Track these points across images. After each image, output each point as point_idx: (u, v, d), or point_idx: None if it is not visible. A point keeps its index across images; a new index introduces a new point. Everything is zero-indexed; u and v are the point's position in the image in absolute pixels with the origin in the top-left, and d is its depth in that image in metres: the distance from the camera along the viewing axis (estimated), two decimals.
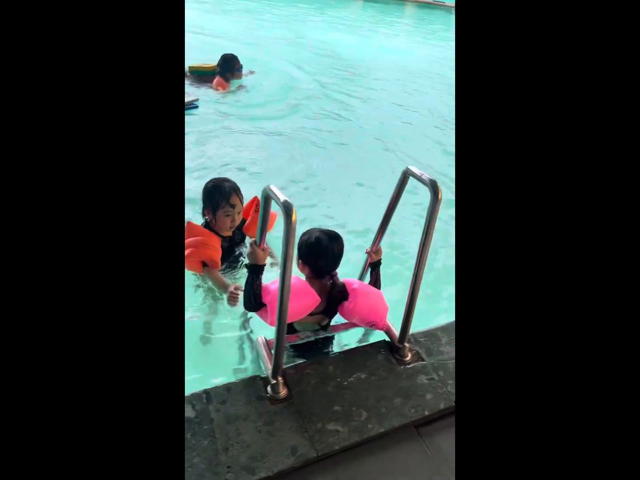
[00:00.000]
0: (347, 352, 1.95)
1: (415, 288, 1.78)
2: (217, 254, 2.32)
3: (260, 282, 1.81)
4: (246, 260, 1.87)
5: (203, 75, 5.79)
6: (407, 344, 1.93)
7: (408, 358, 1.92)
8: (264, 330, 2.01)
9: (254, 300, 1.82)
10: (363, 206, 3.55)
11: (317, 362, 1.87)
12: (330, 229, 1.98)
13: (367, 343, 2.06)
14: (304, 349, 2.00)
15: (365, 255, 2.15)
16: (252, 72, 6.19)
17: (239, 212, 2.40)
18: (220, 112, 5.20)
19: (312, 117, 5.38)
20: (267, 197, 1.56)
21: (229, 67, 5.80)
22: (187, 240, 2.27)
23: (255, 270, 1.80)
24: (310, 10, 12.29)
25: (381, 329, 2.02)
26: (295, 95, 5.96)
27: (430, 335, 2.06)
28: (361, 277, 2.22)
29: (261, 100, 5.64)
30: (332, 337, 2.10)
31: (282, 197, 1.45)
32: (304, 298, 1.83)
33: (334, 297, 1.95)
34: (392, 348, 1.96)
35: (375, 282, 2.13)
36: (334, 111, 5.59)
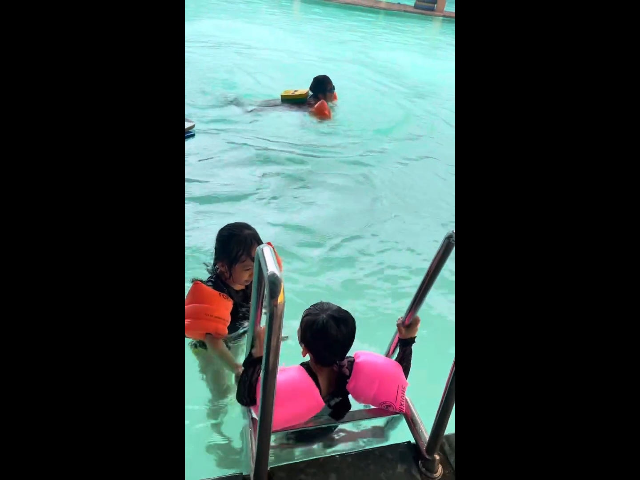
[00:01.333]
0: (358, 456, 1.53)
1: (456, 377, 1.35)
2: (224, 325, 1.90)
3: (259, 374, 1.51)
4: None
5: (295, 103, 5.57)
6: (437, 456, 1.49)
7: (438, 474, 1.48)
8: None
9: (248, 394, 1.55)
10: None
11: (316, 464, 1.47)
12: (342, 307, 1.62)
13: (386, 442, 1.64)
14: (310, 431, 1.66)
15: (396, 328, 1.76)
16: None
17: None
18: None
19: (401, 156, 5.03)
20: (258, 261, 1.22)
21: (321, 88, 5.56)
22: (189, 306, 1.86)
23: (256, 361, 1.56)
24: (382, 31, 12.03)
25: (400, 411, 1.63)
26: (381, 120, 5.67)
27: None
28: (388, 355, 1.81)
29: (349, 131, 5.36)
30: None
31: (270, 267, 1.10)
32: (305, 400, 1.52)
33: (344, 381, 1.64)
34: (418, 454, 1.53)
35: (401, 360, 1.72)
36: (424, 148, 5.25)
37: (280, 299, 1.07)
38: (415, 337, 1.73)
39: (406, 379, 1.68)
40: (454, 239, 1.39)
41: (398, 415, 1.66)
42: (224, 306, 1.89)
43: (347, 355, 1.66)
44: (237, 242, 1.92)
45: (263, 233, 3.04)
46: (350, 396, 1.66)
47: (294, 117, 5.45)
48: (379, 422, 1.74)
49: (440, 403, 1.42)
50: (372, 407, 1.67)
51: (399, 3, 15.53)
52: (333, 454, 1.54)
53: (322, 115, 5.41)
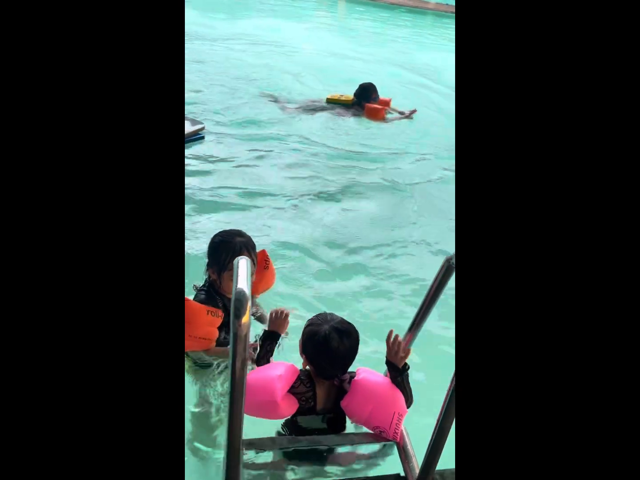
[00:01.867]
0: None
1: (449, 409, 1.24)
2: (208, 343, 1.84)
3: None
4: (263, 326, 1.64)
5: (339, 107, 5.65)
6: None
7: None
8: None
9: None
10: None
11: None
12: (345, 319, 1.56)
13: (374, 470, 1.55)
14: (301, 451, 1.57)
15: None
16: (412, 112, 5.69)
17: (251, 274, 1.80)
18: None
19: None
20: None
21: (365, 96, 5.56)
22: None
23: (275, 337, 1.64)
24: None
25: (394, 439, 1.52)
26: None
27: None
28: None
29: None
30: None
31: (239, 284, 1.07)
32: (261, 392, 1.45)
33: (343, 397, 1.57)
34: None
35: (403, 390, 1.58)
36: None
37: (244, 319, 1.03)
38: (404, 367, 1.57)
39: (407, 407, 1.56)
40: (454, 261, 1.29)
41: (391, 442, 1.57)
42: (208, 323, 1.82)
43: (350, 370, 1.60)
44: (226, 250, 1.88)
45: (282, 236, 2.96)
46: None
47: (337, 119, 5.45)
48: (372, 446, 1.65)
49: (433, 434, 1.32)
50: (366, 430, 1.59)
51: (447, 4, 15.18)
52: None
53: (375, 117, 5.40)
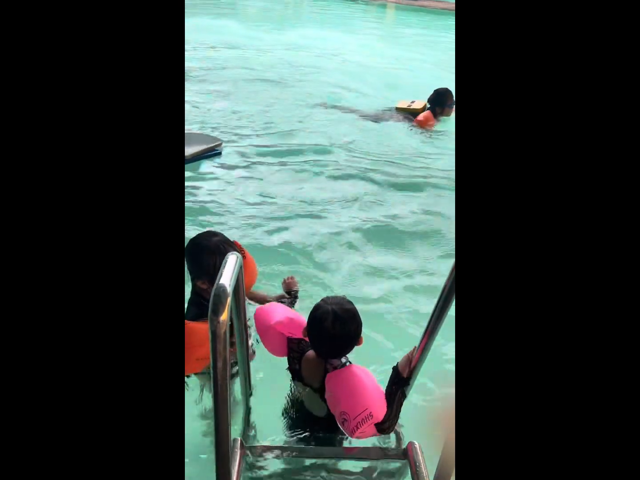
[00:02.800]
0: None
1: None
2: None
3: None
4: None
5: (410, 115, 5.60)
6: None
7: None
8: None
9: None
10: None
11: None
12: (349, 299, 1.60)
13: None
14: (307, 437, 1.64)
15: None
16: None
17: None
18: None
19: None
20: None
21: (440, 101, 5.34)
22: None
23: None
24: None
25: (350, 435, 1.47)
26: None
27: None
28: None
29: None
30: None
31: (222, 279, 1.05)
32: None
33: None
34: None
35: (390, 404, 1.51)
36: None
37: (223, 316, 0.99)
38: (406, 378, 1.56)
39: (388, 427, 1.50)
40: None
41: (404, 461, 1.53)
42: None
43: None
44: (210, 254, 1.74)
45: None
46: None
47: (401, 128, 5.38)
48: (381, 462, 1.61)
49: (442, 451, 1.27)
50: (370, 445, 1.57)
51: None
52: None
53: (425, 126, 5.31)
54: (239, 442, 1.51)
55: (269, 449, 1.55)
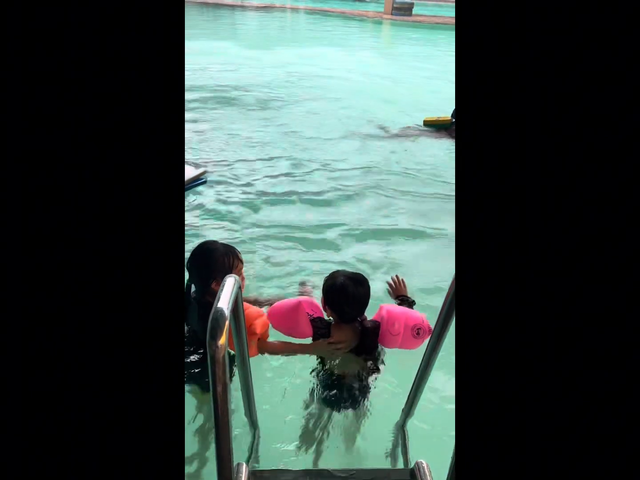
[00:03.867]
0: None
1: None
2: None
3: None
4: None
5: (439, 128, 5.67)
6: None
7: None
8: None
9: None
10: None
11: None
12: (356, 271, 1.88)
13: None
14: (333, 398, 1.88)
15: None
16: None
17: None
18: None
19: None
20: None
21: None
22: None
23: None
24: None
25: (431, 331, 1.69)
26: None
27: None
28: None
29: None
30: (366, 391, 1.88)
31: (221, 302, 1.03)
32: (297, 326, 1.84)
33: (369, 337, 1.84)
34: None
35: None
36: None
37: (221, 341, 0.97)
38: (408, 297, 2.00)
39: None
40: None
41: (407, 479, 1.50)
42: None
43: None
44: (221, 254, 1.86)
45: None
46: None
47: (435, 142, 5.45)
48: None
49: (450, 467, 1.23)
50: (377, 468, 1.53)
51: None
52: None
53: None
54: (244, 467, 1.46)
55: (275, 473, 1.51)
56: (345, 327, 1.84)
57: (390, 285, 2.18)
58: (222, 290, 1.08)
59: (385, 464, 1.79)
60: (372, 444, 1.90)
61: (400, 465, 1.74)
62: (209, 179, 4.36)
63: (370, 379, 1.87)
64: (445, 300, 1.37)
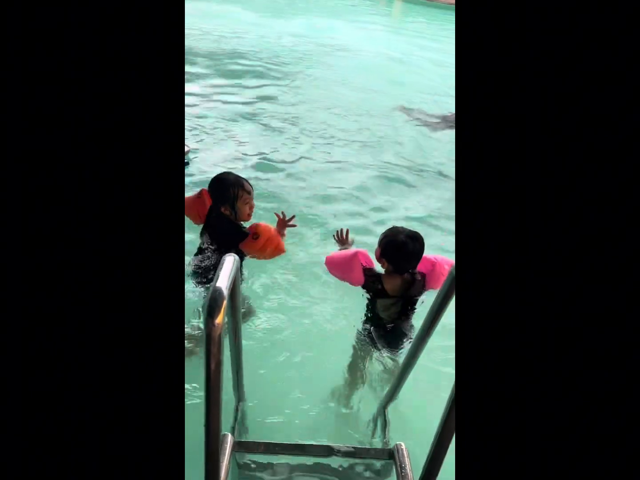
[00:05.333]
0: None
1: (447, 424, 1.18)
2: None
3: None
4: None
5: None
6: None
7: None
8: None
9: None
10: None
11: None
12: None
13: None
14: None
15: None
16: None
17: (252, 198, 2.36)
18: None
19: None
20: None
21: None
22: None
23: None
24: None
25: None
26: None
27: None
28: None
29: None
30: (406, 335, 2.12)
31: (220, 281, 1.04)
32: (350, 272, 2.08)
33: (416, 287, 2.07)
34: None
35: None
36: None
37: (219, 319, 0.98)
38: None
39: None
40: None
41: (389, 460, 1.57)
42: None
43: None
44: (229, 184, 2.26)
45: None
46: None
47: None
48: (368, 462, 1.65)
49: (430, 451, 1.26)
50: (357, 446, 1.62)
51: None
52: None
53: None
54: (229, 437, 1.51)
55: (259, 445, 1.56)
56: (396, 277, 2.06)
57: (335, 237, 2.46)
58: (220, 269, 1.08)
59: (364, 443, 1.85)
60: (354, 423, 1.98)
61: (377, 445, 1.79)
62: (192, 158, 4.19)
63: (409, 324, 2.13)
64: (439, 292, 1.39)
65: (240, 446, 1.53)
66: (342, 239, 2.45)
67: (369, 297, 2.15)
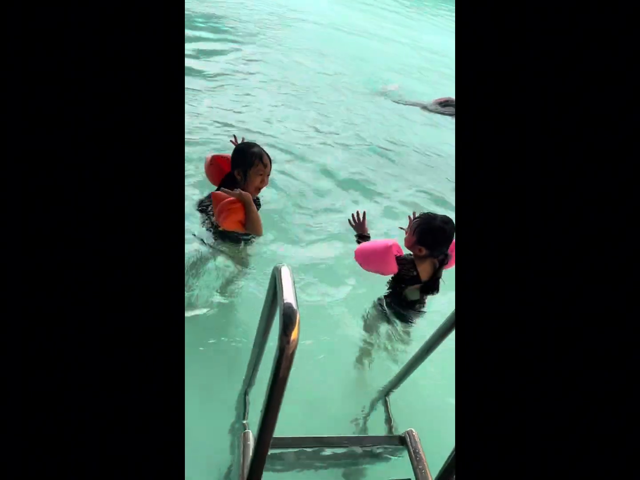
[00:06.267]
0: None
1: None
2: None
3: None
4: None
5: None
6: None
7: None
8: None
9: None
10: None
11: None
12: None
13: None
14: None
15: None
16: None
17: (267, 175, 2.44)
18: None
19: None
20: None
21: None
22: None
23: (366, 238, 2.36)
24: None
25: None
26: None
27: None
28: None
29: None
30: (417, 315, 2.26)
31: (286, 295, 1.04)
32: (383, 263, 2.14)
33: (441, 268, 2.18)
34: None
35: None
36: None
37: (293, 335, 0.99)
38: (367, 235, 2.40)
39: None
40: None
41: (401, 447, 1.60)
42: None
43: None
44: (250, 153, 2.38)
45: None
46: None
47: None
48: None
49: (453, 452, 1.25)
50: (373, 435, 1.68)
51: None
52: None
53: None
54: (250, 434, 1.53)
55: (274, 440, 1.55)
56: (428, 262, 2.18)
57: (350, 222, 2.46)
58: (280, 281, 1.08)
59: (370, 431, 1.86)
60: (356, 410, 1.98)
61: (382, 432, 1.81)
62: None
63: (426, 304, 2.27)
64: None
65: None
66: (359, 223, 2.43)
67: (396, 281, 2.24)
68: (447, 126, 5.28)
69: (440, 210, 3.05)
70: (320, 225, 3.09)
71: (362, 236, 2.38)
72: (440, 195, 3.76)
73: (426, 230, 2.12)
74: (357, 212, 2.43)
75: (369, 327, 2.32)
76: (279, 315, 1.01)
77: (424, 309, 2.25)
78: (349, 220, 2.45)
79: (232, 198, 2.25)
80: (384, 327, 2.30)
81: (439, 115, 5.44)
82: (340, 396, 2.03)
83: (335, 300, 2.49)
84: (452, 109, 5.48)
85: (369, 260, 2.20)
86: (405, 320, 2.26)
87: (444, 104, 5.58)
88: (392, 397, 1.87)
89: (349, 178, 3.79)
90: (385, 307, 2.28)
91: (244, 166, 2.37)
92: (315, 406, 1.92)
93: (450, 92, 5.67)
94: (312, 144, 4.17)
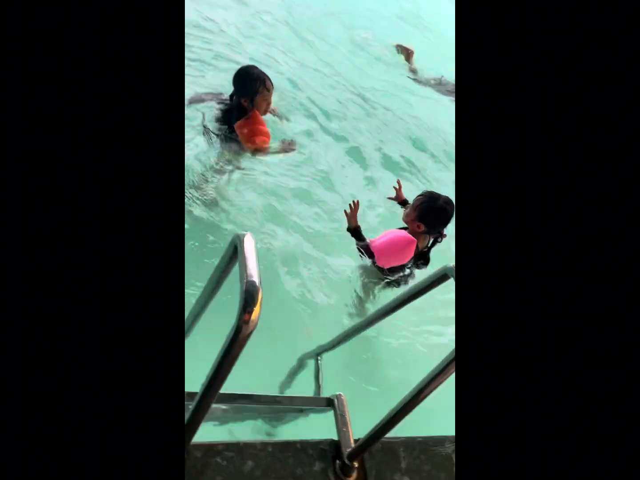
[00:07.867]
0: (279, 446, 1.45)
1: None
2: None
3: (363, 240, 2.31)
4: None
5: None
6: (356, 463, 1.35)
7: (352, 478, 1.35)
8: None
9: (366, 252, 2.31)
10: None
11: (236, 448, 1.36)
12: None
13: (311, 439, 1.55)
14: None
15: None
16: None
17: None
18: None
19: None
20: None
21: None
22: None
23: (358, 233, 2.34)
24: None
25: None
26: None
27: (389, 450, 1.43)
28: None
29: None
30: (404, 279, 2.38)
31: (249, 269, 0.92)
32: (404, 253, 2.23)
33: (434, 243, 2.37)
34: (338, 455, 1.39)
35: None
36: None
37: (254, 315, 0.88)
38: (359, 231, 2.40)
39: None
40: (454, 274, 1.22)
41: (328, 408, 1.59)
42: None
43: None
44: (253, 79, 2.43)
45: None
46: None
47: None
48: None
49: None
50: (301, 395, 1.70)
51: None
52: (254, 441, 1.46)
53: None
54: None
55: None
56: (425, 237, 2.33)
57: (346, 212, 2.46)
58: (243, 251, 0.96)
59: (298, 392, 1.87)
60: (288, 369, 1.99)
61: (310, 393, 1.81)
62: None
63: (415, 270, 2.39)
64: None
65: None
66: (353, 213, 2.44)
67: None
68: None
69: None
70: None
71: (356, 232, 2.38)
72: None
73: (429, 209, 2.21)
74: (353, 202, 2.44)
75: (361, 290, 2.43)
76: (240, 291, 0.89)
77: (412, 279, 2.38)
78: (345, 210, 2.43)
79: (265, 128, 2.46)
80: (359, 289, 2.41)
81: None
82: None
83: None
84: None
85: (393, 260, 2.29)
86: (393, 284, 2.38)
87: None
88: (325, 359, 1.88)
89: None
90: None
91: (250, 94, 2.43)
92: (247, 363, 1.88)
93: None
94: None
